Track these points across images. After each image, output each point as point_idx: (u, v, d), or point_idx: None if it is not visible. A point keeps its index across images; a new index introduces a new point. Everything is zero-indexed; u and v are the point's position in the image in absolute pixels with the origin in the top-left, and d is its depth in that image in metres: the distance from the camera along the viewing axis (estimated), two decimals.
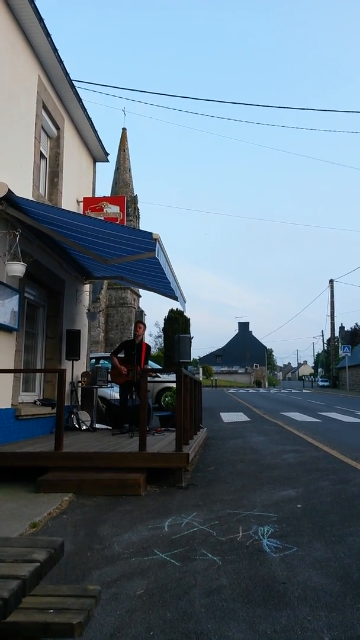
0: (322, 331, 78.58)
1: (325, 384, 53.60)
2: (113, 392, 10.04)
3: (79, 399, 9.27)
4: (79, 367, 9.67)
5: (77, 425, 8.53)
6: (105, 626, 2.51)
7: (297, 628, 2.44)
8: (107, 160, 11.72)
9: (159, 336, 54.39)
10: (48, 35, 7.34)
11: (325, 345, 62.73)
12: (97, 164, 11.57)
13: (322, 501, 4.76)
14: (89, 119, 9.81)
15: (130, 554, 3.51)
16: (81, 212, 9.74)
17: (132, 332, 8.54)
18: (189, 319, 35.64)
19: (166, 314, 35.62)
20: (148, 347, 8.48)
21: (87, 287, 10.60)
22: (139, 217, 37.07)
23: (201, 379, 31.90)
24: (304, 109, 73.71)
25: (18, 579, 1.31)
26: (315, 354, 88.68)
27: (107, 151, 11.35)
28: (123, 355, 8.31)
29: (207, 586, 2.95)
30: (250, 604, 2.71)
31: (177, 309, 34.44)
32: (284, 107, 73.04)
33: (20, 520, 4.20)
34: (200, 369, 46.40)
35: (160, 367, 19.41)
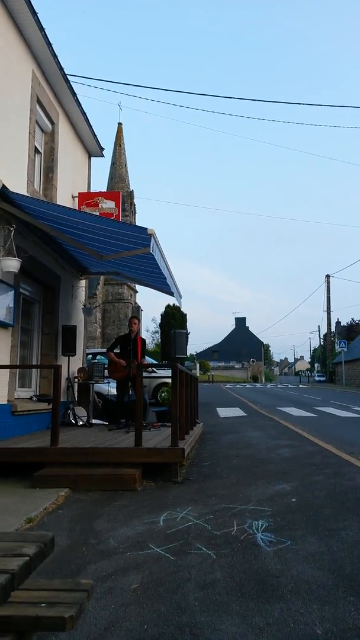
0: (319, 326, 78.77)
1: (322, 379, 53.76)
2: (109, 388, 10.05)
3: (76, 395, 9.28)
4: (76, 363, 9.67)
5: (73, 421, 8.54)
6: (99, 620, 2.53)
7: (289, 621, 2.46)
8: (103, 155, 11.68)
9: (156, 332, 54.35)
10: (42, 29, 7.29)
11: (321, 340, 62.84)
12: (92, 158, 11.52)
13: (317, 495, 4.79)
14: (84, 113, 9.76)
15: (126, 549, 3.53)
16: (76, 208, 9.71)
17: (127, 327, 8.55)
18: (185, 315, 35.55)
19: (163, 309, 35.56)
20: (143, 341, 8.51)
21: (83, 282, 10.58)
22: (135, 213, 36.92)
23: (198, 374, 31.96)
24: (299, 103, 73.73)
25: (7, 573, 1.32)
26: (312, 349, 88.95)
27: (103, 146, 11.31)
28: (118, 351, 8.32)
29: (201, 580, 2.97)
30: (243, 597, 2.73)
31: (173, 304, 34.33)
32: (280, 102, 72.97)
33: (16, 516, 4.21)
34: (197, 365, 46.46)
35: (156, 362, 19.43)
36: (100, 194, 10.64)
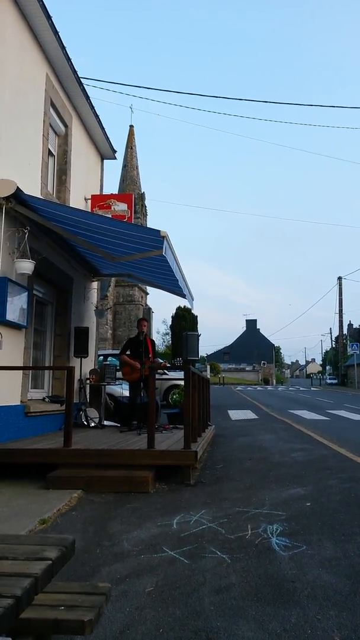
0: (331, 329, 78.37)
1: (334, 381, 53.38)
2: (122, 390, 10.06)
3: (87, 396, 9.31)
4: (87, 365, 9.70)
5: (85, 423, 8.56)
6: (115, 623, 2.52)
7: (306, 627, 2.43)
8: (115, 158, 11.72)
9: (167, 334, 54.40)
10: (56, 32, 7.33)
11: (333, 342, 62.46)
12: (104, 161, 11.57)
13: (331, 499, 4.75)
14: (97, 116, 9.80)
15: (139, 551, 3.52)
16: (89, 210, 9.75)
17: (137, 329, 8.58)
18: (196, 317, 35.64)
19: (174, 311, 35.64)
20: (153, 342, 8.55)
21: (95, 284, 10.62)
22: (146, 215, 37.04)
23: (209, 376, 31.90)
24: (311, 105, 73.39)
25: (30, 576, 1.31)
26: (324, 351, 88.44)
27: (115, 148, 11.35)
28: (129, 353, 8.34)
29: (216, 584, 2.95)
30: (259, 602, 2.71)
31: (184, 306, 34.45)
32: (290, 104, 72.92)
33: (29, 517, 4.22)
34: (208, 367, 46.37)
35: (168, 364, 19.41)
36: (112, 196, 10.67)
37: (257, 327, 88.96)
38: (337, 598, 2.73)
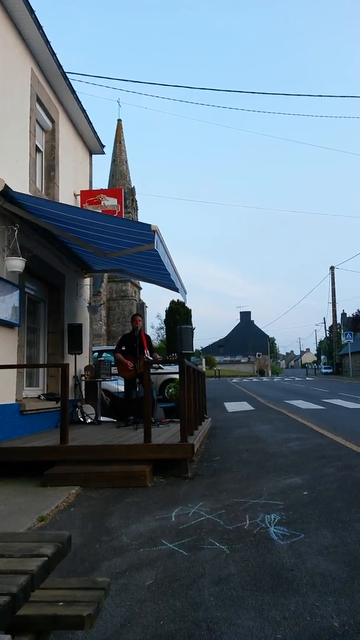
0: (324, 318, 78.52)
1: (329, 371, 53.72)
2: (118, 385, 10.06)
3: (83, 393, 9.30)
4: (82, 361, 9.67)
5: (81, 419, 8.56)
6: (115, 617, 2.53)
7: (306, 614, 2.45)
8: (103, 152, 11.64)
9: (161, 328, 54.42)
10: (40, 27, 7.25)
11: (327, 332, 62.74)
12: (93, 156, 11.48)
13: (328, 488, 4.78)
14: (84, 111, 9.73)
15: (139, 545, 3.53)
16: (79, 206, 9.69)
17: (131, 325, 8.54)
18: (190, 310, 35.70)
19: (167, 305, 35.70)
20: (148, 337, 8.52)
21: (87, 280, 10.58)
22: (137, 209, 36.90)
23: (204, 369, 31.96)
24: (299, 94, 73.25)
25: (26, 574, 1.31)
26: (318, 341, 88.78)
27: (103, 143, 11.27)
28: (124, 349, 8.31)
29: (215, 575, 2.97)
30: (259, 591, 2.72)
31: (178, 300, 34.48)
32: (280, 94, 72.91)
33: (28, 514, 4.22)
34: (203, 360, 46.48)
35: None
36: (102, 191, 10.60)
37: (252, 319, 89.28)
38: (336, 585, 2.75)
